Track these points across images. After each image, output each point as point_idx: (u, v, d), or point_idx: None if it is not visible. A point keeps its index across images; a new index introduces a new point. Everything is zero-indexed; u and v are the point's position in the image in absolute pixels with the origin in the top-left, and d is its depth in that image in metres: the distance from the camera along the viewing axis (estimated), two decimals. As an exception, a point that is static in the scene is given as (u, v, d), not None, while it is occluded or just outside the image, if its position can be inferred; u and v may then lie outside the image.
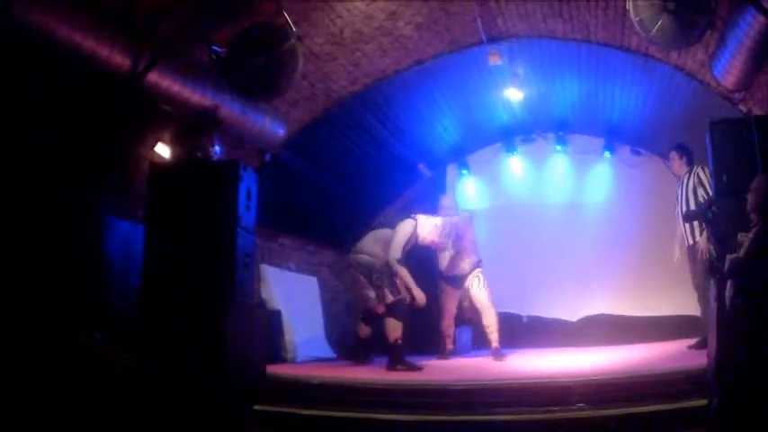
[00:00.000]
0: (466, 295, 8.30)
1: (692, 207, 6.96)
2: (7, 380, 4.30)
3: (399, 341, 7.13)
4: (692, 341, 7.05)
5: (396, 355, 7.04)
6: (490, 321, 7.59)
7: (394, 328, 7.16)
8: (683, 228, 7.16)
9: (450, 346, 8.61)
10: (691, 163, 7.22)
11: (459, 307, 8.70)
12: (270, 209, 7.55)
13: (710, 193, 6.44)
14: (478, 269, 7.88)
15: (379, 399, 5.43)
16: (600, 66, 8.27)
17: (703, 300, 6.69)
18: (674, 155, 7.44)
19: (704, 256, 6.61)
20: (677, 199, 7.23)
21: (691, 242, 7.04)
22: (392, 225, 7.69)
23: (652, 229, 9.59)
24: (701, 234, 6.76)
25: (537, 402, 4.98)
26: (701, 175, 6.92)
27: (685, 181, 7.13)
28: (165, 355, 5.19)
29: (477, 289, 7.52)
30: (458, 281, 8.20)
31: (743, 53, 5.57)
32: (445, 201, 8.36)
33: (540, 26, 7.59)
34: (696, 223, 6.95)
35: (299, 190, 9.33)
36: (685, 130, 8.04)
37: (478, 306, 7.59)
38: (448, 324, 8.54)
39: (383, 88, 8.57)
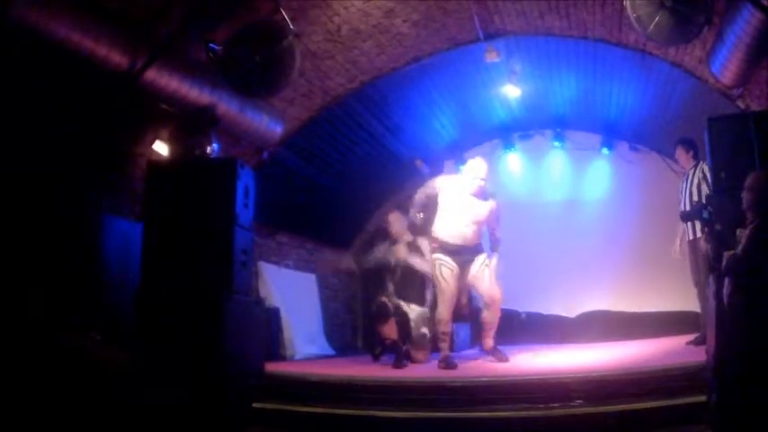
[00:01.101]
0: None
1: (696, 202, 6.90)
2: (6, 380, 4.30)
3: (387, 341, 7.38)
4: (691, 337, 7.05)
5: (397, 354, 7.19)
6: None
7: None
8: (684, 223, 7.13)
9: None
10: (697, 157, 7.10)
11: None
12: (268, 206, 7.56)
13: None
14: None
15: (377, 396, 5.43)
16: (597, 62, 8.27)
17: (702, 296, 6.69)
18: (680, 150, 7.32)
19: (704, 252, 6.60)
20: (681, 194, 7.18)
21: (691, 237, 7.01)
22: None
23: (650, 225, 9.59)
24: (702, 230, 6.73)
25: (535, 399, 4.98)
26: (706, 170, 6.72)
27: (690, 176, 7.06)
28: (163, 353, 5.20)
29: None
30: None
31: (740, 49, 5.58)
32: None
33: (537, 23, 7.59)
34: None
35: (296, 187, 9.33)
36: (683, 126, 8.04)
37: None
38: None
39: (380, 86, 8.57)
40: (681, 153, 7.33)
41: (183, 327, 5.31)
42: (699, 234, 6.79)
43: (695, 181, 6.96)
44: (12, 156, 5.27)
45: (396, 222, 7.83)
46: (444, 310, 6.78)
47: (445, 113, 10.05)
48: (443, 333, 6.78)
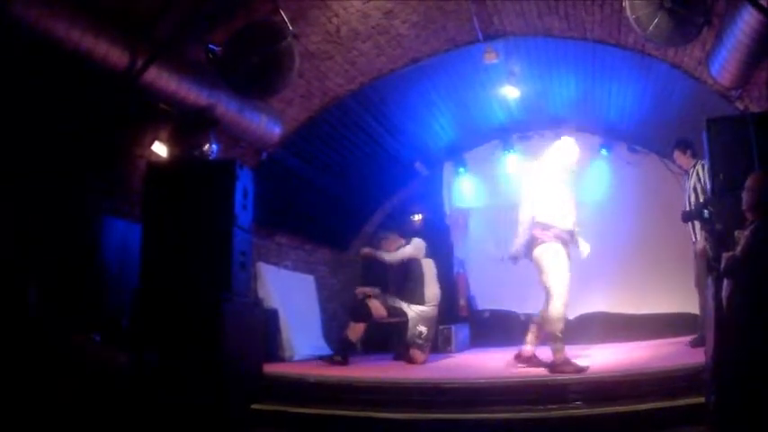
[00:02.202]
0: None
1: (694, 204, 6.88)
2: (5, 379, 4.29)
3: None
4: (690, 338, 7.05)
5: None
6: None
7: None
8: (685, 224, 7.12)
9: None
10: (696, 155, 7.06)
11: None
12: (266, 207, 7.55)
13: (706, 191, 6.42)
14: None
15: (376, 397, 5.43)
16: (596, 63, 8.27)
17: (701, 297, 6.69)
18: (677, 153, 7.33)
19: (702, 255, 6.62)
20: (685, 193, 7.21)
21: (695, 239, 7.04)
22: None
23: (649, 226, 9.60)
24: (702, 231, 6.75)
25: (535, 400, 4.99)
26: (701, 171, 6.81)
27: (691, 175, 7.08)
28: (162, 354, 5.19)
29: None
30: None
31: (740, 51, 5.57)
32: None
33: (536, 24, 7.59)
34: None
35: (295, 188, 9.32)
36: (682, 127, 8.04)
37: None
38: None
39: (379, 87, 8.57)
40: (679, 155, 7.35)
41: (182, 328, 5.30)
42: (697, 236, 6.80)
43: (692, 182, 7.00)
44: (11, 155, 5.27)
45: (388, 243, 8.07)
46: (563, 306, 5.97)
47: (444, 114, 10.04)
48: (562, 332, 5.92)
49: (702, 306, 6.80)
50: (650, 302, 9.80)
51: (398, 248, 7.94)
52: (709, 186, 6.07)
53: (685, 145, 7.25)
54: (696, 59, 6.71)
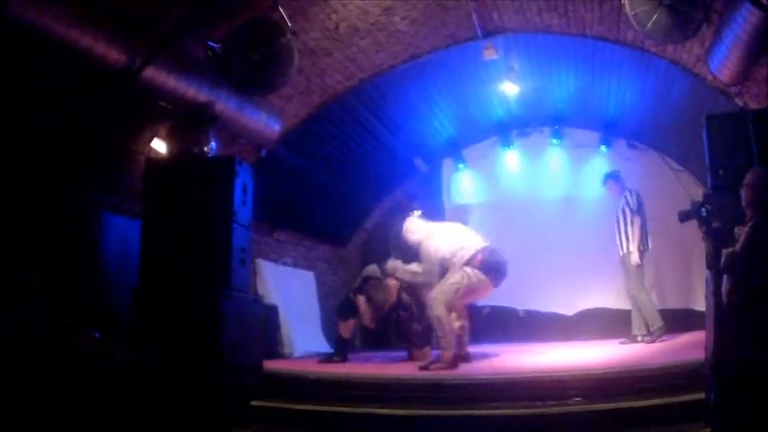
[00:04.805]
0: None
1: (622, 227, 7.99)
2: (5, 379, 4.30)
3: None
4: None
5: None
6: None
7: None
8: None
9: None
10: (624, 185, 8.29)
11: None
12: (266, 204, 7.56)
13: (632, 213, 7.88)
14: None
15: (375, 393, 5.44)
16: (596, 60, 8.26)
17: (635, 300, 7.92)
18: (610, 182, 8.43)
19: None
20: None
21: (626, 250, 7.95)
22: None
23: (648, 222, 9.59)
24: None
25: (534, 397, 4.99)
26: (628, 196, 8.04)
27: (620, 200, 8.14)
28: (161, 351, 5.20)
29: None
30: None
31: (739, 47, 5.57)
32: None
33: (535, 20, 7.58)
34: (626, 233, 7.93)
35: (295, 185, 9.33)
36: (681, 123, 8.04)
37: None
38: None
39: (379, 83, 8.57)
40: (612, 184, 8.38)
41: (182, 325, 5.31)
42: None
43: (622, 204, 8.02)
44: (10, 153, 5.27)
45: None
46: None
47: (443, 111, 10.04)
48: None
49: (636, 307, 7.99)
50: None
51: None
52: (635, 209, 7.90)
53: (616, 177, 8.43)
54: (695, 56, 6.71)
